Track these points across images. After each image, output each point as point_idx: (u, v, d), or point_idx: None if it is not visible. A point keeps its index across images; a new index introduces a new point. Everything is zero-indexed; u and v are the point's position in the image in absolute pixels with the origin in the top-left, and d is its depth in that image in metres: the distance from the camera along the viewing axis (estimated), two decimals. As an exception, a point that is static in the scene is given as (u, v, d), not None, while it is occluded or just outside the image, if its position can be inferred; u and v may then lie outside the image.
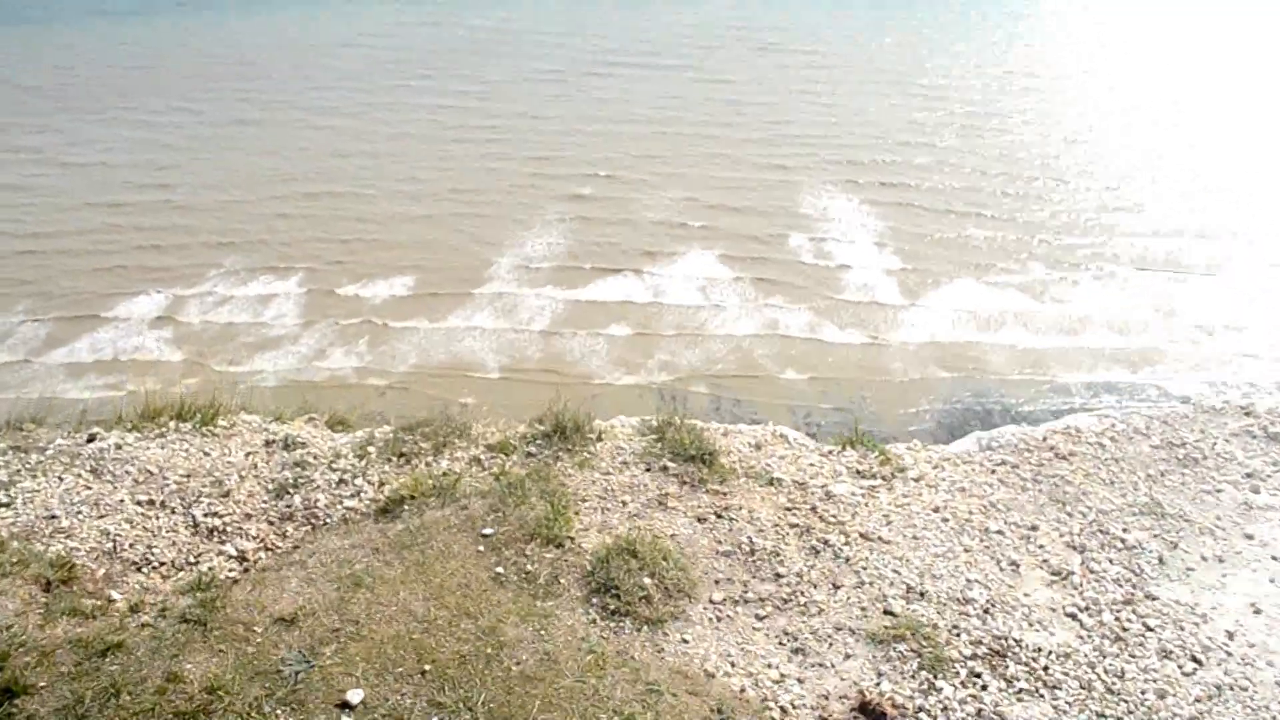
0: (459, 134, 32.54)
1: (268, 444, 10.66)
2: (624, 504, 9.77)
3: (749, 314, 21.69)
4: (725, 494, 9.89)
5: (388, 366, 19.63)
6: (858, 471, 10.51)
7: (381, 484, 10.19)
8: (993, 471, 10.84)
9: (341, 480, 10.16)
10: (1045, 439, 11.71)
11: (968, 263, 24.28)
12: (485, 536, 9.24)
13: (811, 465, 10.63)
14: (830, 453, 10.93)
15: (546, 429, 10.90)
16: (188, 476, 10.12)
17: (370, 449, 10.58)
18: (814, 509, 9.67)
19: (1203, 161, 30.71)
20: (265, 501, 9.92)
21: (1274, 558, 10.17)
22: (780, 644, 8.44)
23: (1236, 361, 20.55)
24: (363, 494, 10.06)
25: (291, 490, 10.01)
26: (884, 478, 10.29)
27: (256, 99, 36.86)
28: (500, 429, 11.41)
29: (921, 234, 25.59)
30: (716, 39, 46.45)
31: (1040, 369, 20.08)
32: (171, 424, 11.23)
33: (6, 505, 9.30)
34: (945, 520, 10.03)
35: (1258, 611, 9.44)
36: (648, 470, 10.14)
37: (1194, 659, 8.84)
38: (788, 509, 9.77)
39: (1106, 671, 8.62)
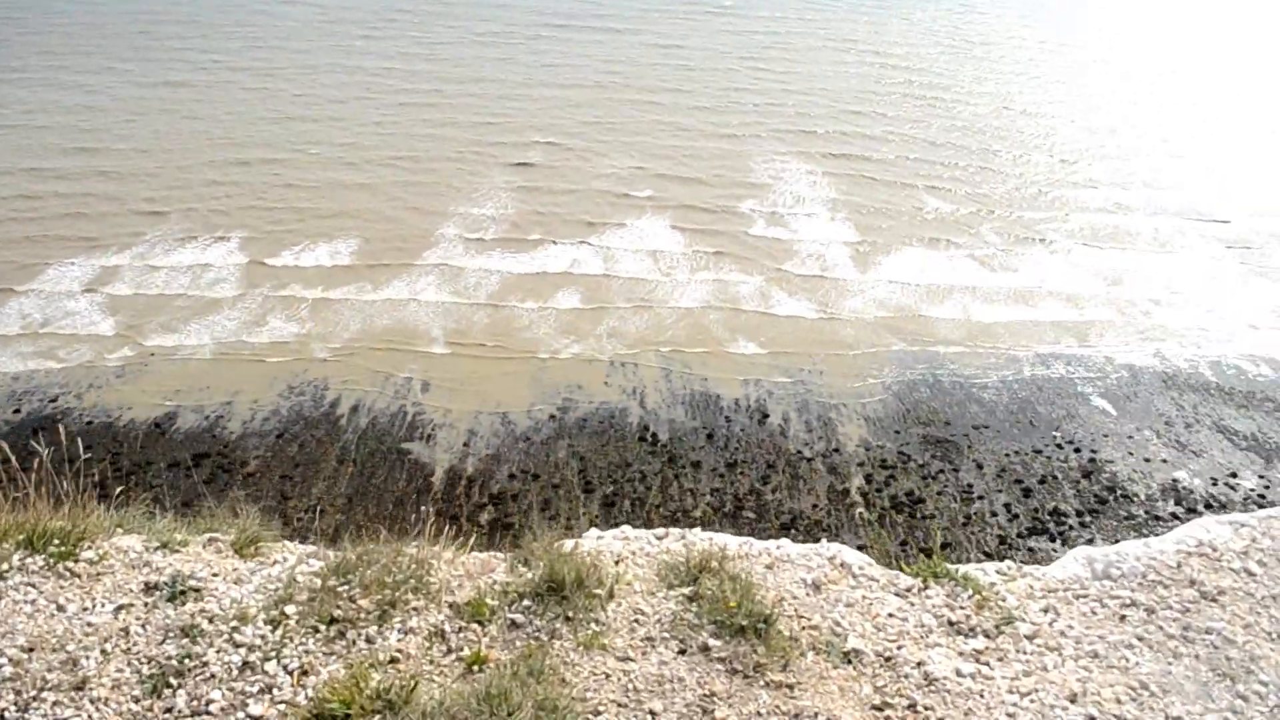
0: (401, 98, 31.63)
1: (148, 589, 7.05)
2: (653, 716, 6.80)
3: (699, 284, 21.29)
4: (792, 687, 6.92)
5: (329, 335, 18.92)
6: (951, 623, 7.65)
7: (304, 673, 6.59)
8: (1122, 618, 7.81)
9: (246, 665, 6.55)
10: (1179, 566, 8.57)
11: (920, 235, 24.11)
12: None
13: (891, 617, 7.63)
14: (909, 591, 7.95)
15: (535, 580, 7.54)
16: (29, 651, 6.76)
17: (288, 609, 6.95)
18: (913, 707, 6.76)
19: (1156, 138, 30.88)
20: (135, 700, 6.47)
21: None
22: None
23: (1187, 333, 20.67)
24: (276, 690, 6.56)
25: (174, 681, 6.55)
26: (987, 634, 7.54)
27: (190, 58, 35.52)
28: (472, 576, 7.72)
29: (874, 204, 25.37)
30: (668, 2, 45.78)
31: (991, 340, 19.98)
32: (15, 556, 7.51)
33: None
34: (1092, 720, 6.90)
35: None
36: (682, 652, 7.09)
37: None
38: (879, 709, 6.84)
39: None
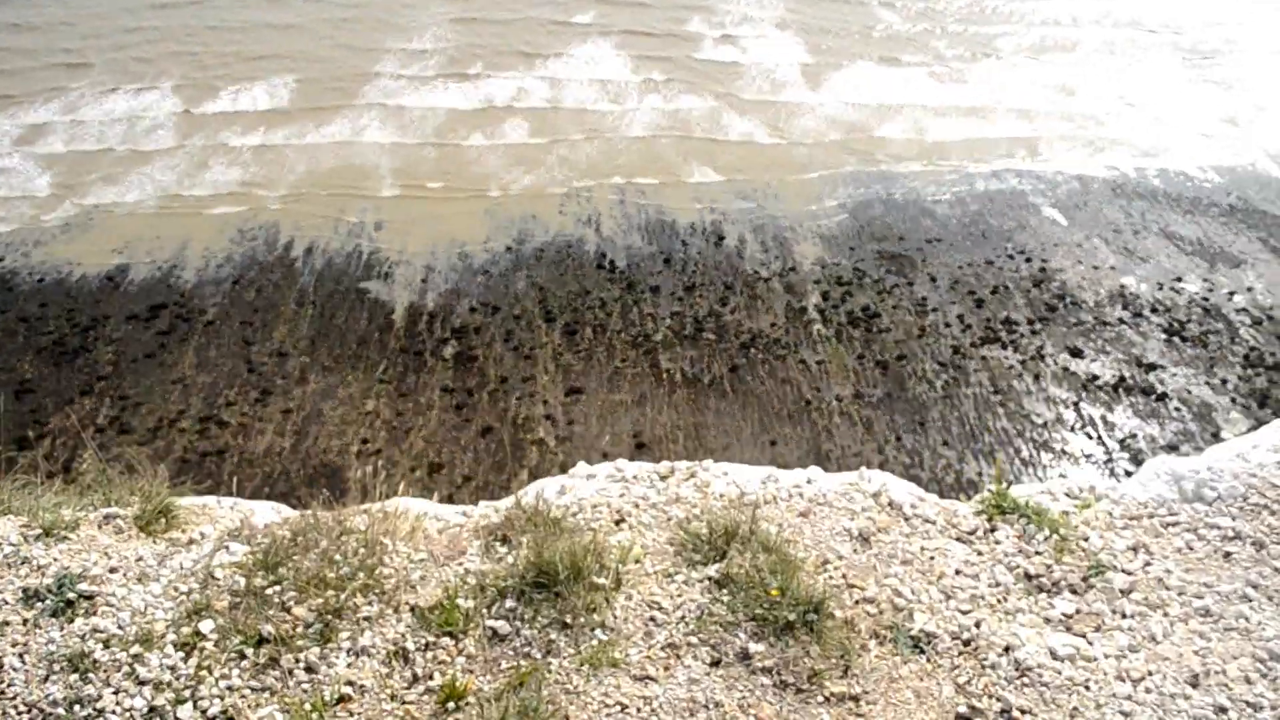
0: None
1: (28, 599, 5.58)
2: (690, 768, 5.23)
3: (649, 111, 20.86)
4: (858, 699, 5.62)
5: (275, 180, 18.45)
6: (1030, 577, 6.30)
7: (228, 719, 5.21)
8: (1226, 556, 6.71)
9: (153, 711, 5.09)
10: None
11: (872, 52, 23.64)
12: None
13: (959, 575, 6.31)
14: (974, 534, 6.67)
15: (520, 568, 5.91)
16: None
17: (205, 624, 5.44)
18: (1007, 713, 5.60)
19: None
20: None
21: None
22: None
23: (1137, 142, 20.79)
24: (192, 745, 5.15)
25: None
26: (1075, 589, 6.19)
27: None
28: (438, 560, 6.19)
29: (824, 22, 24.73)
30: None
31: (944, 155, 19.97)
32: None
33: None
34: (1222, 711, 5.62)
35: None
36: (716, 664, 5.60)
37: None
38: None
39: None
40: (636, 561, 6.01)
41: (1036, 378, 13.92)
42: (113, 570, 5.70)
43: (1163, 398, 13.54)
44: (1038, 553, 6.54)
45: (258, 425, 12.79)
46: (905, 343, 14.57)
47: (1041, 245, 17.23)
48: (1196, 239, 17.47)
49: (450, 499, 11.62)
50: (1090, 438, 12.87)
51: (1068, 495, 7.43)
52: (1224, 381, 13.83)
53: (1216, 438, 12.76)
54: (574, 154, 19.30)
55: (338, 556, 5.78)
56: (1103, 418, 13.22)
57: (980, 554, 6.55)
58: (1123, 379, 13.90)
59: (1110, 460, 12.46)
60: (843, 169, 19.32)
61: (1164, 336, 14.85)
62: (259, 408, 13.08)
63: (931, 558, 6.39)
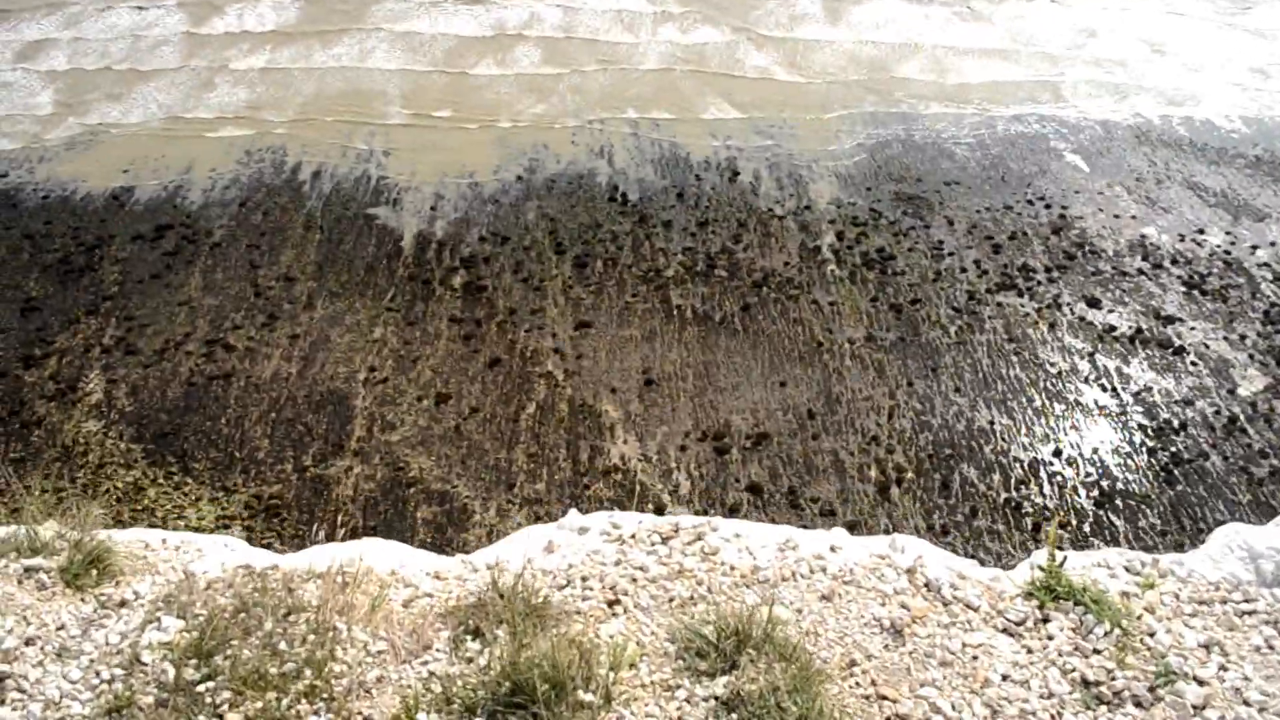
0: None
1: None
2: None
3: (664, 43, 20.35)
4: None
5: (282, 102, 18.07)
6: (1088, 684, 5.25)
7: None
8: None
9: None
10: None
11: (896, -14, 22.99)
12: None
13: (1006, 681, 5.23)
14: (1022, 625, 5.66)
15: (493, 678, 4.79)
16: None
17: None
18: None
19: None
20: None
21: None
22: None
23: (1165, 90, 20.30)
24: None
25: None
26: (1140, 703, 5.16)
27: None
28: (399, 654, 5.17)
29: (849, -45, 24.01)
30: None
31: (966, 96, 19.52)
32: None
33: None
34: None
35: None
36: None
37: None
38: None
39: None
40: (632, 666, 4.93)
41: (1052, 326, 13.73)
42: (29, 642, 4.83)
43: (1180, 351, 13.35)
44: (1096, 651, 5.48)
45: (264, 350, 12.66)
46: (920, 286, 14.35)
47: (1062, 192, 16.89)
48: (1221, 190, 17.12)
49: (457, 430, 11.55)
50: (1104, 389, 12.72)
51: (1127, 569, 6.46)
52: (1243, 337, 13.63)
53: (1232, 394, 12.62)
54: (587, 84, 18.87)
55: (283, 645, 4.83)
56: (1118, 369, 13.05)
57: (1030, 652, 5.48)
58: (1140, 331, 13.70)
59: (1124, 413, 12.33)
60: (861, 108, 18.89)
61: (1183, 289, 14.61)
62: (266, 332, 12.94)
63: (975, 657, 5.33)
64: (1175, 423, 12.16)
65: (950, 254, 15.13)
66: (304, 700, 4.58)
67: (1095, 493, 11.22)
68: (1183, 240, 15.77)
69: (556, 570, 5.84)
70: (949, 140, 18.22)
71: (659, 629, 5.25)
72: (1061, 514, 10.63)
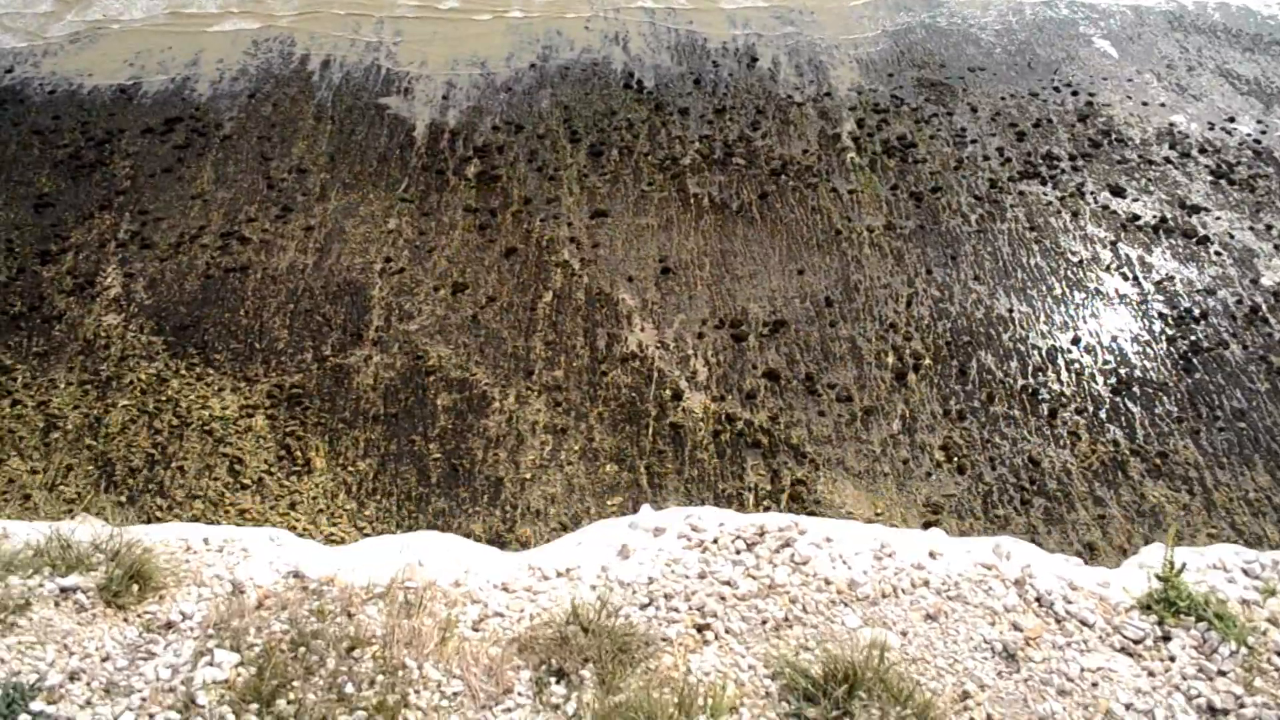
0: None
1: None
2: None
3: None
4: None
5: (286, -7, 17.64)
6: (1214, 711, 4.84)
7: None
8: None
9: None
10: None
11: None
12: None
13: (1131, 711, 4.83)
14: (1142, 644, 5.22)
15: None
16: None
17: None
18: None
19: None
20: None
21: None
22: None
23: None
24: None
25: None
26: None
27: None
28: (476, 698, 4.69)
29: None
30: None
31: (993, -21, 18.84)
32: None
33: None
34: None
35: None
36: None
37: None
38: None
39: None
40: (732, 711, 4.39)
41: (1075, 215, 13.52)
42: (73, 677, 4.38)
43: (1204, 241, 13.15)
44: (1222, 673, 4.98)
45: (279, 242, 12.63)
46: (941, 174, 14.10)
47: (1090, 78, 16.43)
48: (1254, 79, 16.61)
49: (475, 319, 11.57)
50: (1126, 278, 12.58)
51: (1245, 572, 5.94)
52: (1269, 227, 13.40)
53: (1256, 284, 12.47)
54: (602, -32, 18.29)
55: (349, 687, 4.35)
56: (1140, 259, 12.89)
57: (1153, 675, 4.98)
58: (1164, 220, 13.48)
59: (1145, 302, 12.21)
60: (885, -8, 18.28)
61: (1210, 178, 14.30)
62: (280, 224, 12.89)
63: (1094, 684, 4.84)
64: (1196, 311, 12.05)
65: (973, 141, 14.82)
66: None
67: (1113, 380, 11.20)
68: (1212, 129, 15.38)
69: (635, 583, 5.37)
70: (974, 26, 17.67)
71: (756, 661, 4.75)
72: (1177, 524, 10.25)
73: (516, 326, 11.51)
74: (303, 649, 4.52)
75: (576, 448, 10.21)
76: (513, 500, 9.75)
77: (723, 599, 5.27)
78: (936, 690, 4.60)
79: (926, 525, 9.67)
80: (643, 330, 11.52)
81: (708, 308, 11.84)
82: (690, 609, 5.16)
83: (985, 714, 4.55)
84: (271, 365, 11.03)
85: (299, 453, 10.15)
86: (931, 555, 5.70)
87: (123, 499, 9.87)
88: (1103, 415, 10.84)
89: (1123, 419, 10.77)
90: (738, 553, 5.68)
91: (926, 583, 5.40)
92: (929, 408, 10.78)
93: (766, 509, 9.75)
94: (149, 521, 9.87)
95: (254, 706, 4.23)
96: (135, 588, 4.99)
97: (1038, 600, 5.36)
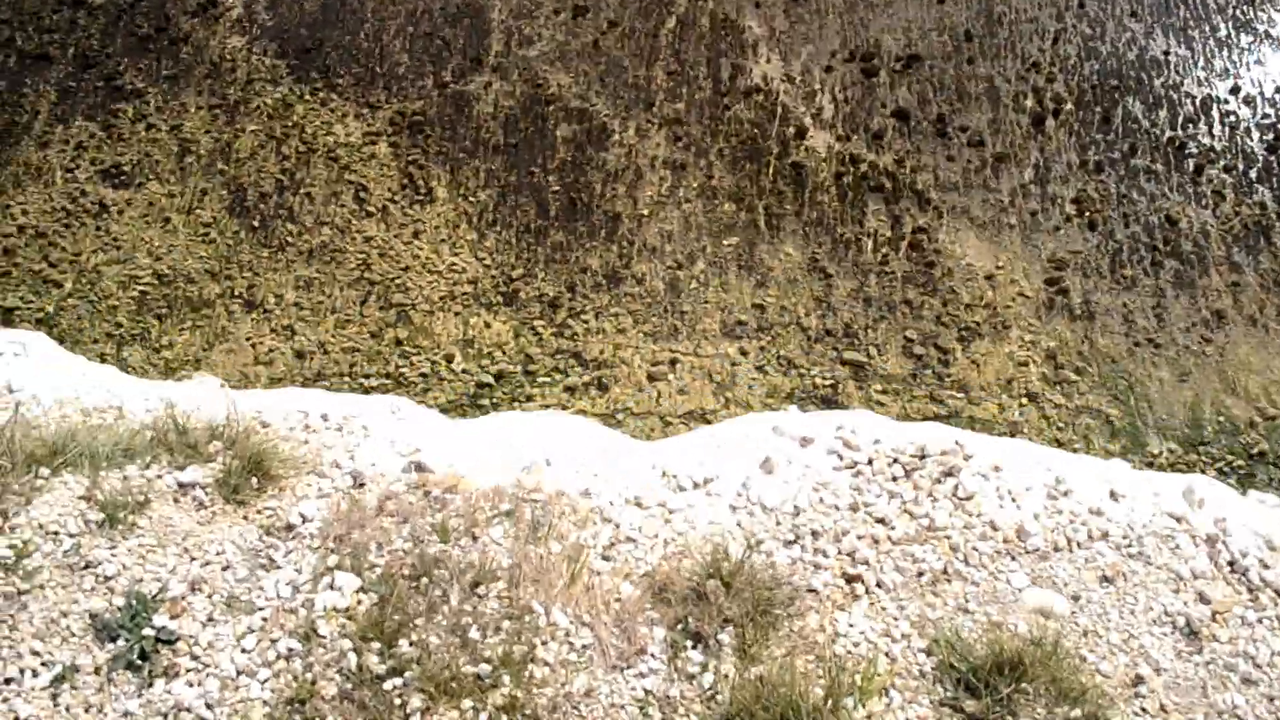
0: None
1: (99, 632, 4.26)
2: None
3: None
4: None
5: None
6: None
7: None
8: None
9: None
10: None
11: None
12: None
13: None
14: None
15: (728, 701, 4.14)
16: None
17: None
18: None
19: None
20: None
21: None
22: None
23: None
24: None
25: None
26: None
27: None
28: (607, 656, 4.45)
29: None
30: None
31: None
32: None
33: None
34: None
35: None
36: None
37: None
38: None
39: None
40: (882, 693, 3.98)
41: (1258, -58, 12.05)
42: (195, 588, 4.27)
43: (1406, -27, 11.67)
44: None
45: (393, -45, 12.19)
46: (1109, -108, 12.60)
47: None
48: None
49: (595, 45, 11.21)
50: (1305, 17, 11.37)
51: None
52: None
53: None
54: None
55: (474, 633, 4.12)
56: (1326, -6, 11.56)
57: None
58: (1363, -52, 11.93)
59: (1322, 45, 11.09)
60: None
61: None
62: (393, -63, 12.39)
63: None
64: (1381, 59, 10.93)
65: None
66: (504, 716, 3.89)
67: (1270, 136, 10.44)
68: None
69: (780, 510, 4.93)
70: None
71: (910, 628, 4.32)
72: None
73: (638, 54, 11.13)
74: (424, 579, 4.26)
75: (695, 185, 10.15)
76: (629, 236, 9.88)
77: (875, 542, 4.76)
78: (1107, 672, 4.13)
79: (1049, 282, 9.52)
80: (768, 61, 11.03)
81: (838, 38, 11.20)
82: (840, 553, 4.70)
83: (1159, 703, 4.04)
84: (393, 91, 11.02)
85: (421, 181, 10.33)
86: (1113, 496, 5.09)
87: (255, 223, 10.30)
88: (1253, 175, 10.21)
89: (1275, 179, 10.13)
90: (894, 479, 5.10)
91: (1105, 534, 4.80)
92: (1065, 157, 10.28)
93: (885, 257, 9.68)
94: (279, 249, 10.35)
95: (375, 645, 4.04)
96: (254, 480, 4.83)
97: (1230, 565, 4.68)
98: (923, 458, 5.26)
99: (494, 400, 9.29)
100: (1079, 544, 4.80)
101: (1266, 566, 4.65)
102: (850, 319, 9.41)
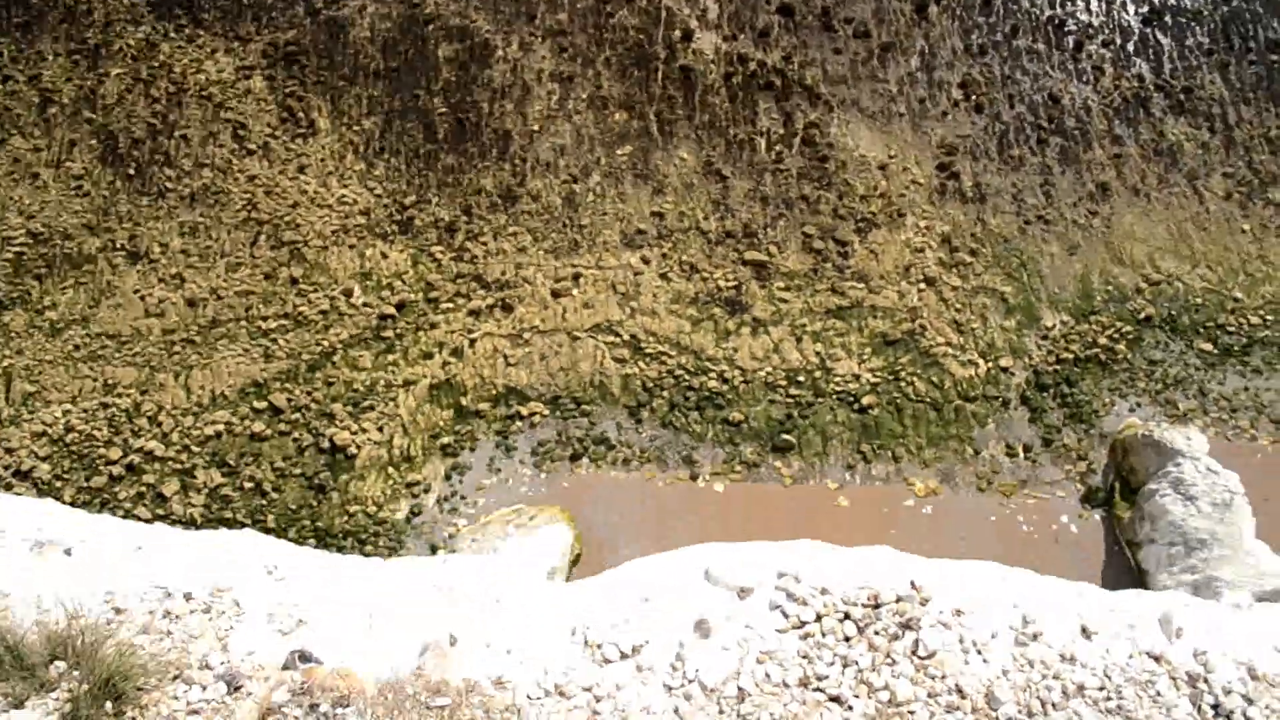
0: None
1: None
2: None
3: None
4: None
5: None
6: None
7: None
8: None
9: None
10: None
11: None
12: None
13: None
14: None
15: None
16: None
17: None
18: None
19: None
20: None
21: None
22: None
23: None
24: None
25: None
26: None
27: None
28: None
29: None
30: None
31: None
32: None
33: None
34: None
35: None
36: None
37: None
38: None
39: None
40: None
41: None
42: None
43: None
44: None
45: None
46: None
47: None
48: None
49: None
50: (1173, -111, 11.53)
51: None
52: None
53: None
54: None
55: None
56: None
57: None
58: None
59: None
60: None
61: None
62: None
63: None
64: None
65: None
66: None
67: (1144, 9, 10.65)
68: None
69: (721, 690, 4.36)
70: None
71: None
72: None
73: (514, -33, 10.83)
74: None
75: (584, 96, 9.98)
76: (521, 153, 9.71)
77: None
78: None
79: (940, 167, 9.62)
80: (651, -33, 10.83)
81: (718, -60, 11.03)
82: None
83: None
84: (263, 23, 10.54)
85: (301, 114, 9.99)
86: (1085, 634, 4.71)
87: (130, 171, 9.87)
88: (1130, 48, 10.43)
89: (1150, 51, 10.37)
90: (846, 639, 4.54)
91: (1081, 688, 4.41)
92: (950, 42, 10.35)
93: (779, 155, 9.66)
94: (158, 196, 9.88)
95: None
96: (108, 705, 3.91)
97: (1214, 709, 4.40)
98: (876, 607, 4.70)
99: (398, 332, 9.11)
100: (1054, 705, 4.36)
101: (1250, 702, 4.44)
102: (749, 219, 9.41)
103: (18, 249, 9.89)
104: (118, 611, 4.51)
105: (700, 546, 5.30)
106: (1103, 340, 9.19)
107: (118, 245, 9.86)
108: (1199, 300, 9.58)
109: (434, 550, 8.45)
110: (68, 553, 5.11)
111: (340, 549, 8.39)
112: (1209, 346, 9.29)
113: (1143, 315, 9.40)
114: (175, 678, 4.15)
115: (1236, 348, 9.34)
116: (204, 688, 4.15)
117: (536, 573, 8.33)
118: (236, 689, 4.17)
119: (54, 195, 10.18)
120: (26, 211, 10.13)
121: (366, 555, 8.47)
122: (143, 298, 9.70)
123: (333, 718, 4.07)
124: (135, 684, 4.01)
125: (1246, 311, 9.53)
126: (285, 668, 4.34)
